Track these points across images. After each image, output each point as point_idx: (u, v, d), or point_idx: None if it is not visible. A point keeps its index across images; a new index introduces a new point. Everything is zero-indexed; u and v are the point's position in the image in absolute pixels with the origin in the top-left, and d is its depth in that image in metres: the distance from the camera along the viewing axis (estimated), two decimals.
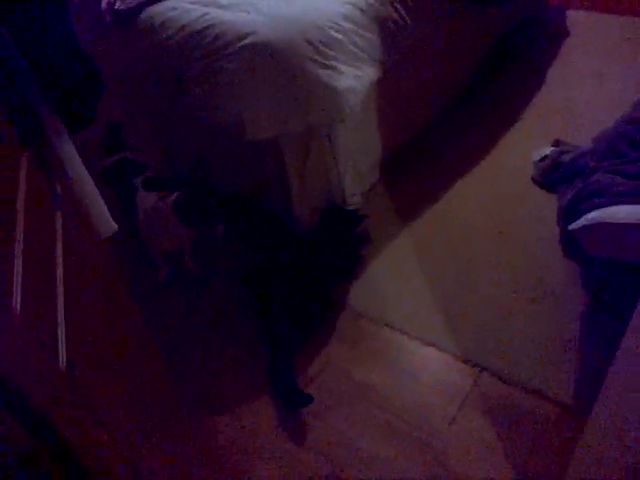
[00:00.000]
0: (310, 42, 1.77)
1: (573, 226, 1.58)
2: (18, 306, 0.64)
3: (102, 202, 1.20)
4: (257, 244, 2.13)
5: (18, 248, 0.71)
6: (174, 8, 1.96)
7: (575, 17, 3.24)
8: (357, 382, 1.72)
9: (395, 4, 2.02)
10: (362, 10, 1.93)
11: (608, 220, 1.50)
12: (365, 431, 1.60)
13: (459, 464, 1.51)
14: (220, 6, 1.92)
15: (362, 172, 2.15)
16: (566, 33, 3.12)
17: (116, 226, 1.23)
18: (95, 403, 0.80)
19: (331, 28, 1.83)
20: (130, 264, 2.10)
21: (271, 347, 1.79)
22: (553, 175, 2.20)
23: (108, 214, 1.20)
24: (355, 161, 2.07)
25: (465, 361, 1.73)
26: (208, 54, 1.81)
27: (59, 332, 0.76)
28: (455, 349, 1.76)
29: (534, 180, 2.28)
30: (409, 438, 1.57)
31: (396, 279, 2.00)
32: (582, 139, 2.24)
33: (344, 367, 1.77)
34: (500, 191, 2.27)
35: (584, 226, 1.55)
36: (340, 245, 1.98)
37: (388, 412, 1.64)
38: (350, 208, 2.08)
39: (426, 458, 1.53)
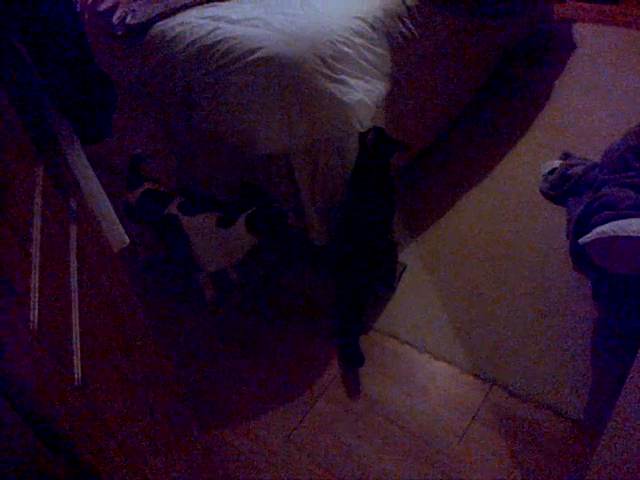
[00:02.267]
0: (320, 56, 1.78)
1: (584, 240, 1.57)
2: (36, 320, 0.64)
3: (115, 215, 1.21)
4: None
5: (35, 262, 0.72)
6: (184, 23, 1.98)
7: (582, 30, 3.25)
8: (367, 395, 1.71)
9: (403, 18, 2.04)
10: (371, 25, 1.94)
11: (620, 233, 1.49)
12: (374, 446, 1.59)
13: (471, 477, 1.49)
14: (230, 21, 1.94)
15: None
16: (573, 46, 3.13)
17: (128, 239, 1.24)
18: (107, 417, 0.80)
19: (341, 43, 1.84)
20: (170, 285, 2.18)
21: (342, 308, 1.93)
22: (562, 188, 2.20)
23: (121, 227, 1.21)
24: None
25: (475, 375, 1.72)
26: (218, 68, 1.83)
27: (74, 346, 0.76)
28: (465, 363, 1.75)
29: (542, 193, 2.27)
30: (419, 453, 1.56)
31: (405, 292, 2.00)
32: (591, 152, 2.24)
33: (354, 380, 1.76)
34: (508, 204, 2.27)
35: (595, 239, 1.54)
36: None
37: (398, 426, 1.63)
38: None
39: (436, 473, 1.51)
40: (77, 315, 0.80)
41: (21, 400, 0.58)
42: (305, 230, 2.03)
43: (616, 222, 1.55)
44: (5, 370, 0.55)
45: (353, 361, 1.80)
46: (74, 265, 0.85)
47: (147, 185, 2.06)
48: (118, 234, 1.21)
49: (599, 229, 1.55)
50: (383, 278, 2.01)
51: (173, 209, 1.94)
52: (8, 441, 0.57)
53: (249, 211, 1.83)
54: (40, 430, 0.61)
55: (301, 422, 1.67)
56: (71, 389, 0.69)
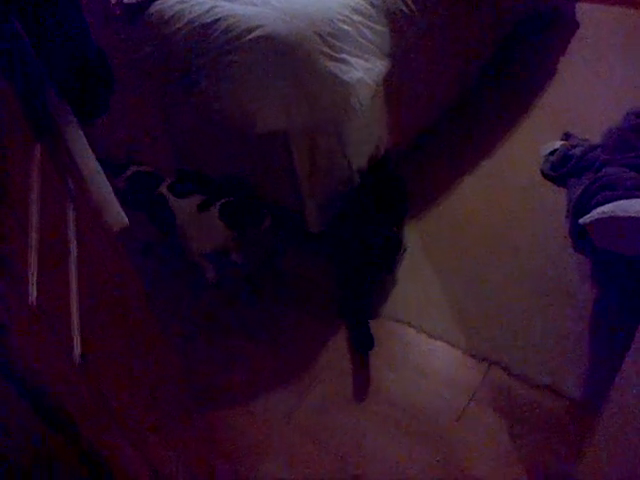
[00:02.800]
0: (319, 34, 1.76)
1: (584, 220, 1.57)
2: (35, 298, 0.64)
3: (113, 195, 1.20)
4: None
5: (33, 240, 0.71)
6: (183, 1, 1.95)
7: (585, 10, 3.21)
8: (365, 376, 1.72)
9: None
10: (371, 2, 1.92)
11: (621, 214, 1.49)
12: (372, 426, 1.60)
13: (467, 459, 1.50)
14: None
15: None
16: (576, 25, 3.09)
17: (127, 220, 1.23)
18: (107, 394, 0.80)
19: (340, 20, 1.82)
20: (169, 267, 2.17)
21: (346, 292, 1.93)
22: (562, 169, 2.19)
23: (119, 207, 1.21)
24: (364, 155, 2.06)
25: (474, 355, 1.72)
26: (216, 47, 1.81)
27: (73, 324, 0.76)
28: (464, 343, 1.75)
29: (543, 174, 2.26)
30: (417, 433, 1.57)
31: (404, 274, 1.99)
32: (592, 133, 2.22)
33: (351, 362, 1.77)
34: (509, 185, 2.26)
35: (596, 220, 1.53)
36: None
37: (396, 407, 1.63)
38: None
39: (434, 453, 1.52)
40: (76, 293, 0.80)
41: (22, 378, 0.58)
42: (301, 216, 2.03)
43: (617, 202, 1.55)
44: (6, 347, 0.56)
45: (364, 345, 1.78)
46: (73, 244, 0.85)
47: (133, 168, 2.06)
48: (117, 214, 1.20)
49: (600, 209, 1.55)
50: (382, 265, 1.98)
51: (163, 189, 1.95)
52: (9, 419, 0.57)
53: (223, 200, 1.85)
54: (40, 408, 0.62)
55: (300, 403, 1.68)
56: (71, 366, 0.69)
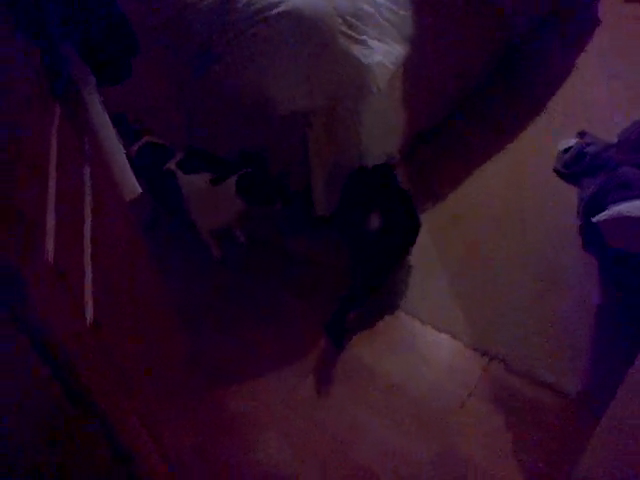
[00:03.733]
0: (341, 15, 1.73)
1: (598, 218, 1.56)
2: (52, 255, 0.63)
3: (127, 164, 1.19)
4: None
5: (51, 197, 0.70)
6: None
7: (608, 5, 3.16)
8: (368, 366, 1.71)
9: None
10: None
11: (636, 213, 1.48)
12: (375, 414, 1.60)
13: (467, 449, 1.50)
14: None
15: (383, 154, 2.12)
16: (597, 22, 3.06)
17: (140, 189, 1.22)
18: (117, 360, 0.79)
19: (363, 1, 1.79)
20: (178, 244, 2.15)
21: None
22: (576, 167, 2.17)
23: (133, 177, 1.19)
24: (377, 142, 2.04)
25: (476, 349, 1.72)
26: (239, 20, 1.78)
27: (86, 288, 0.75)
28: (466, 336, 1.75)
29: (556, 171, 2.24)
30: (417, 421, 1.56)
31: (411, 266, 1.98)
32: (608, 132, 2.20)
33: (356, 351, 1.76)
34: (521, 181, 2.24)
35: (610, 218, 1.52)
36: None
37: (397, 395, 1.63)
38: None
39: (432, 441, 1.52)
40: (89, 257, 0.79)
41: (39, 335, 0.57)
42: (308, 199, 2.01)
43: (633, 202, 1.53)
44: (24, 302, 0.55)
45: (337, 339, 1.75)
46: (88, 206, 0.84)
47: (147, 138, 2.03)
48: (130, 183, 1.19)
49: (615, 208, 1.53)
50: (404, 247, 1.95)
51: (172, 165, 1.92)
52: (27, 380, 0.56)
53: (241, 172, 1.81)
54: (55, 370, 0.61)
55: (301, 386, 1.68)
56: (84, 329, 0.68)
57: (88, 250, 0.80)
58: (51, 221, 0.67)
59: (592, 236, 1.76)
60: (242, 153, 1.97)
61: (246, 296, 1.95)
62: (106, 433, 0.68)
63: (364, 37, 1.78)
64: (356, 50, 1.75)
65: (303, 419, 1.60)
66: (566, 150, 2.27)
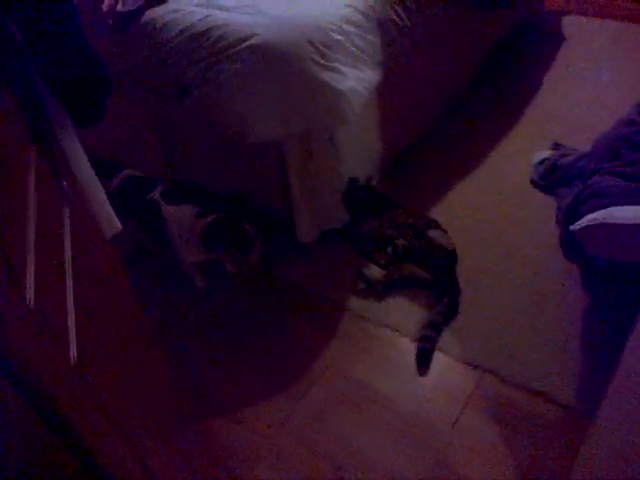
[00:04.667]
0: (312, 44, 1.77)
1: (575, 227, 1.59)
2: (32, 299, 0.64)
3: (107, 202, 1.20)
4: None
5: (30, 241, 0.71)
6: (175, 10, 1.96)
7: (571, 22, 3.26)
8: (359, 384, 1.72)
9: (395, 6, 2.03)
10: (363, 12, 1.93)
11: (610, 221, 1.51)
12: (367, 432, 1.60)
13: (461, 466, 1.50)
14: (222, 8, 1.92)
15: (363, 177, 2.15)
16: (562, 38, 3.15)
17: (120, 226, 1.23)
18: (103, 396, 0.80)
19: (333, 30, 1.83)
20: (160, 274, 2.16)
21: None
22: (552, 178, 2.21)
23: (113, 214, 1.20)
24: (357, 164, 2.07)
25: (467, 363, 1.73)
26: (210, 56, 1.81)
27: (70, 325, 0.76)
28: (457, 351, 1.76)
29: (533, 182, 2.29)
30: (411, 439, 1.57)
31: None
32: (581, 142, 2.25)
33: (346, 369, 1.76)
34: (499, 193, 2.27)
35: (585, 226, 1.55)
36: None
37: (390, 413, 1.63)
38: None
39: (428, 459, 1.52)
40: (72, 296, 0.80)
41: (19, 378, 0.58)
42: (292, 226, 2.03)
43: (606, 209, 1.57)
44: (3, 346, 0.55)
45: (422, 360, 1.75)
46: (68, 246, 0.85)
47: (127, 172, 2.04)
48: (110, 219, 1.20)
49: (590, 216, 1.57)
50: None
51: (156, 195, 1.93)
52: (8, 419, 0.57)
53: (214, 217, 1.81)
54: (39, 410, 0.61)
55: (294, 410, 1.67)
56: (67, 367, 0.69)
57: (70, 289, 0.81)
58: (31, 263, 0.68)
59: (572, 244, 1.79)
60: (232, 193, 1.99)
61: (233, 324, 1.95)
62: (94, 469, 0.68)
63: (336, 64, 1.82)
64: (329, 77, 1.79)
65: (296, 444, 1.59)
66: (541, 162, 2.31)
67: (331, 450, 1.57)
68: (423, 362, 1.73)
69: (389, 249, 1.95)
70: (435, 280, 1.92)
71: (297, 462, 1.55)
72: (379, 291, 1.94)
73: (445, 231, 2.02)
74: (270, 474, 1.54)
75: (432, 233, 1.97)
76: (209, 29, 1.83)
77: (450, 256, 1.96)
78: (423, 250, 1.94)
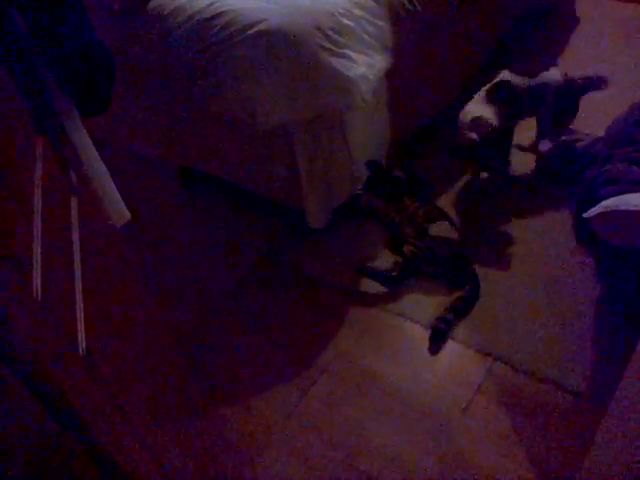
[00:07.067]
0: (321, 29, 1.75)
1: (589, 213, 1.57)
2: (39, 290, 0.63)
3: (115, 190, 1.19)
4: None
5: (37, 233, 0.71)
6: None
7: (585, 4, 3.20)
8: (369, 371, 1.72)
9: None
10: None
11: (624, 207, 1.49)
12: (377, 420, 1.60)
13: (472, 453, 1.50)
14: None
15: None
16: (576, 20, 3.09)
17: (129, 215, 1.22)
18: (112, 387, 0.80)
19: (342, 15, 1.80)
20: None
21: None
22: (565, 163, 2.18)
23: (122, 202, 1.20)
24: (366, 150, 2.06)
25: (478, 350, 1.72)
26: (217, 42, 1.79)
27: (78, 316, 0.75)
28: (468, 338, 1.75)
29: (545, 169, 2.26)
30: (422, 427, 1.57)
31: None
32: (594, 127, 2.21)
33: (356, 356, 1.76)
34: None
35: (599, 213, 1.53)
36: None
37: (400, 401, 1.63)
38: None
39: (439, 446, 1.52)
40: (80, 287, 0.80)
41: (28, 370, 0.58)
42: (302, 214, 2.02)
43: (620, 196, 1.55)
44: (10, 340, 0.55)
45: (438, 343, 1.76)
46: (77, 237, 0.84)
47: None
48: (120, 209, 1.19)
49: (604, 203, 1.54)
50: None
51: None
52: (16, 413, 0.57)
53: None
54: (47, 402, 0.61)
55: (302, 398, 1.68)
56: (76, 360, 0.69)
57: (79, 280, 0.81)
58: (37, 255, 0.68)
59: (585, 231, 1.77)
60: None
61: (242, 312, 1.95)
62: (105, 460, 0.68)
63: (345, 50, 1.80)
64: (338, 63, 1.77)
65: (307, 432, 1.60)
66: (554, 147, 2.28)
67: (342, 438, 1.57)
68: (435, 340, 1.74)
69: (399, 260, 1.96)
70: (446, 271, 1.92)
71: (308, 450, 1.56)
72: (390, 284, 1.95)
73: (449, 219, 2.00)
74: (280, 461, 1.55)
75: (434, 230, 1.98)
76: (216, 15, 1.81)
77: (457, 246, 1.96)
78: (429, 250, 1.94)
